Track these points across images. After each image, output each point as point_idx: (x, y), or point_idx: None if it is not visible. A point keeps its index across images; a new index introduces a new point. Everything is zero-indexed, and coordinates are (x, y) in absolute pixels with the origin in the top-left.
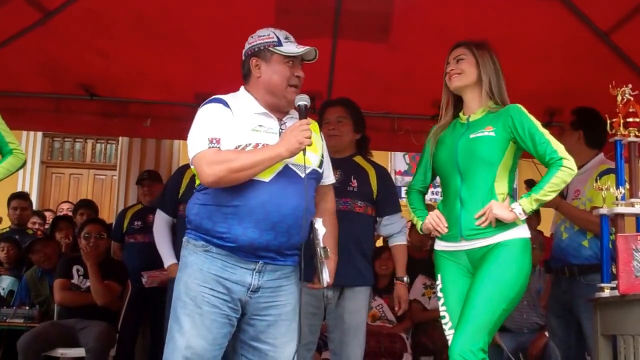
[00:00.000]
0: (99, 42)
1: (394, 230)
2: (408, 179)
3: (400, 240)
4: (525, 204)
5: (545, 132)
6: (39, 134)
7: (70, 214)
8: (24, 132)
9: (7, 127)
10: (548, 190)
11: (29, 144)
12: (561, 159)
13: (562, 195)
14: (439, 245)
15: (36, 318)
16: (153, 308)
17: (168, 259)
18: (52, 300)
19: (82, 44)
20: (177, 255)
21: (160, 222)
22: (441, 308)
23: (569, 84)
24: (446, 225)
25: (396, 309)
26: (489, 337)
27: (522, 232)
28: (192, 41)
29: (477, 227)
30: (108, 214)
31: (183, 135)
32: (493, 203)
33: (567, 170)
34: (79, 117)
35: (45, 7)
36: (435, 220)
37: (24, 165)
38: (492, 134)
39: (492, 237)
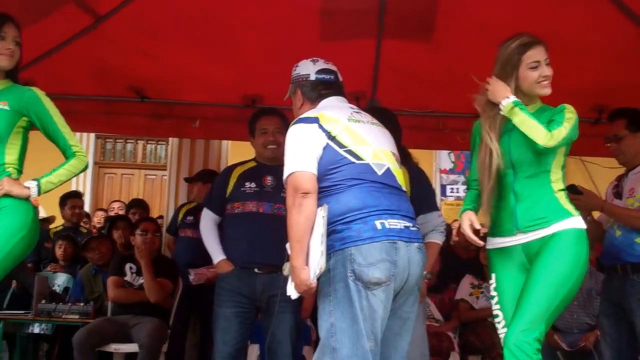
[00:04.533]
0: (148, 46)
1: (427, 229)
2: (453, 177)
3: (432, 238)
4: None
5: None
6: (92, 136)
7: (121, 212)
8: (77, 134)
9: (70, 130)
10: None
11: (83, 145)
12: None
13: (618, 193)
14: (492, 244)
15: (91, 314)
16: (202, 305)
17: (217, 255)
18: (106, 297)
19: (132, 48)
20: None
21: (207, 220)
22: (495, 307)
23: (615, 80)
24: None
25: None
26: (546, 327)
27: (578, 222)
28: (237, 43)
29: (534, 218)
30: (158, 213)
31: (231, 136)
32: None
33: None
34: (130, 119)
35: (97, 12)
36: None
37: (86, 168)
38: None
39: (549, 227)
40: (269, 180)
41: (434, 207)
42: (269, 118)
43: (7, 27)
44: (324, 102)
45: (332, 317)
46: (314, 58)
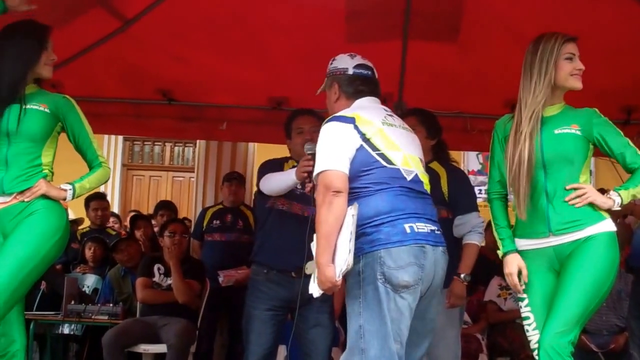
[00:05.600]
0: (176, 49)
1: (464, 230)
2: (482, 178)
3: (470, 239)
4: (624, 194)
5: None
6: (120, 138)
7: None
8: (106, 136)
9: (96, 140)
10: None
11: (111, 148)
12: None
13: None
14: (520, 245)
15: (120, 315)
16: (231, 306)
17: (289, 172)
18: (135, 298)
19: (160, 51)
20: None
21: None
22: (525, 309)
23: None
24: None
25: (445, 301)
26: (579, 330)
27: (610, 225)
28: (263, 45)
29: (567, 221)
30: (186, 215)
31: (257, 138)
32: (590, 187)
33: None
34: (158, 122)
35: (124, 16)
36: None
37: (108, 178)
38: (579, 132)
39: (581, 230)
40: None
41: (472, 208)
42: (304, 117)
43: (50, 37)
44: (360, 102)
45: (361, 319)
46: (352, 53)
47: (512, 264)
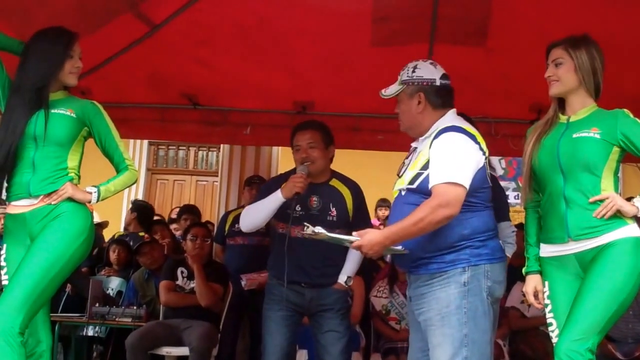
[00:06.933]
0: (201, 53)
1: None
2: (504, 183)
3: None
4: None
5: None
6: (145, 142)
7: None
8: (131, 141)
9: (122, 144)
10: None
11: (136, 152)
12: None
13: None
14: (545, 252)
15: (143, 317)
16: (253, 309)
17: (275, 194)
18: (158, 301)
19: (186, 56)
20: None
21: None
22: (548, 315)
23: None
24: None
25: None
26: (599, 338)
27: (633, 230)
28: (289, 50)
29: (586, 226)
30: (209, 219)
31: (281, 142)
32: (613, 195)
33: None
34: (183, 126)
35: (152, 21)
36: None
37: (136, 181)
38: (597, 136)
39: (602, 236)
40: (314, 201)
41: (504, 217)
42: (301, 134)
43: (76, 45)
44: (455, 115)
45: (466, 329)
46: (432, 61)
47: (530, 285)
